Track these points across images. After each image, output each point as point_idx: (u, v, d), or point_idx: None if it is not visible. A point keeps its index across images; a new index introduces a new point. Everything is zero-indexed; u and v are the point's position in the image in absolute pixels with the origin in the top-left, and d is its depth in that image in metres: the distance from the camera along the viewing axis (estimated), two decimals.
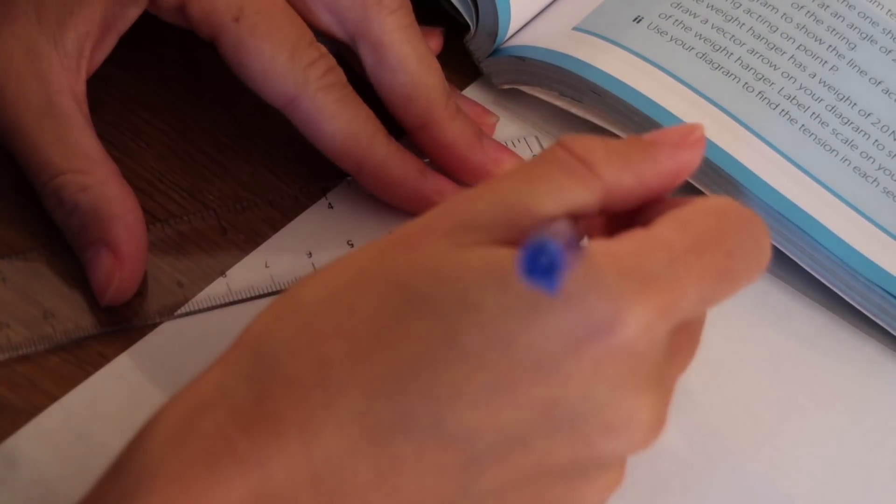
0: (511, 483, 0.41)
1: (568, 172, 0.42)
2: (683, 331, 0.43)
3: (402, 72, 0.54)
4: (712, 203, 0.43)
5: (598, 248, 0.40)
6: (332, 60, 0.53)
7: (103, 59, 0.53)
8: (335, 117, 0.53)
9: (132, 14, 0.53)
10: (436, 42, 0.59)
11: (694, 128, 0.44)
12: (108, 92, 0.57)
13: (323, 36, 0.56)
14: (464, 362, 0.39)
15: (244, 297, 0.52)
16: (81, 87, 0.52)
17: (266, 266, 0.53)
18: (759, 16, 0.60)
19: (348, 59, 0.58)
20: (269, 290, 0.52)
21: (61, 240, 0.51)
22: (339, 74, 0.53)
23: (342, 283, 0.41)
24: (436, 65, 0.55)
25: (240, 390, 0.40)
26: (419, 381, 0.39)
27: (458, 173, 0.55)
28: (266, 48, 0.52)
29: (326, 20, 0.55)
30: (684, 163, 0.44)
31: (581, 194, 0.42)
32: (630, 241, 0.41)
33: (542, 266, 0.37)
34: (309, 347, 0.40)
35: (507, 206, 0.41)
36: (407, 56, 0.54)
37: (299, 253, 0.54)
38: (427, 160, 0.56)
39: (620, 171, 0.43)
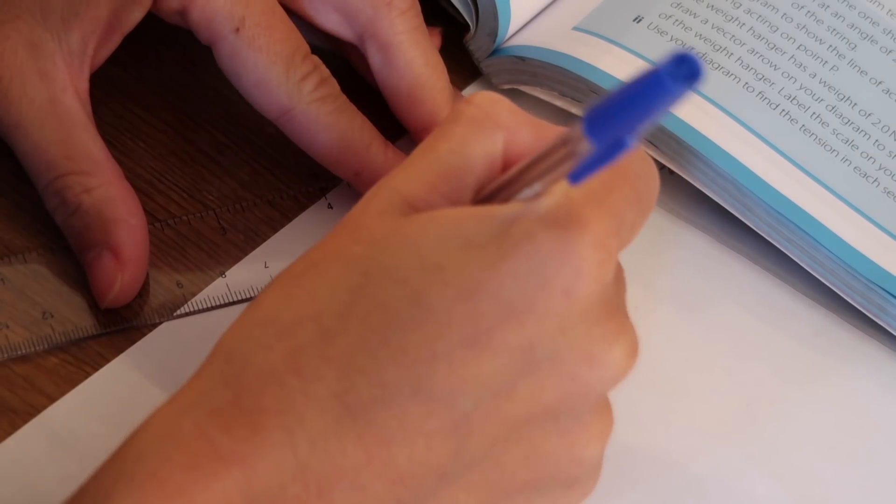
0: (503, 440, 0.41)
1: (471, 124, 0.43)
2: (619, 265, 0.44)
3: (409, 73, 0.54)
4: None
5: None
6: (325, 72, 0.53)
7: (106, 58, 0.53)
8: (330, 128, 0.53)
9: (136, 16, 0.53)
10: (435, 41, 0.59)
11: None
12: (108, 92, 0.57)
13: (322, 37, 0.56)
14: (433, 321, 0.39)
15: (244, 297, 0.52)
16: (85, 86, 0.52)
17: (265, 266, 0.53)
18: (760, 16, 0.60)
19: (351, 59, 0.58)
20: None
21: (61, 240, 0.51)
22: (333, 85, 0.53)
23: (297, 274, 0.41)
24: (442, 66, 0.55)
25: (216, 392, 0.40)
26: (390, 347, 0.39)
27: None
28: (262, 60, 0.52)
29: (333, 20, 0.55)
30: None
31: (488, 143, 0.43)
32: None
33: (684, 73, 0.35)
34: (277, 339, 0.40)
35: (425, 169, 0.42)
36: (415, 58, 0.54)
37: (298, 253, 0.54)
38: None
39: (521, 124, 0.43)
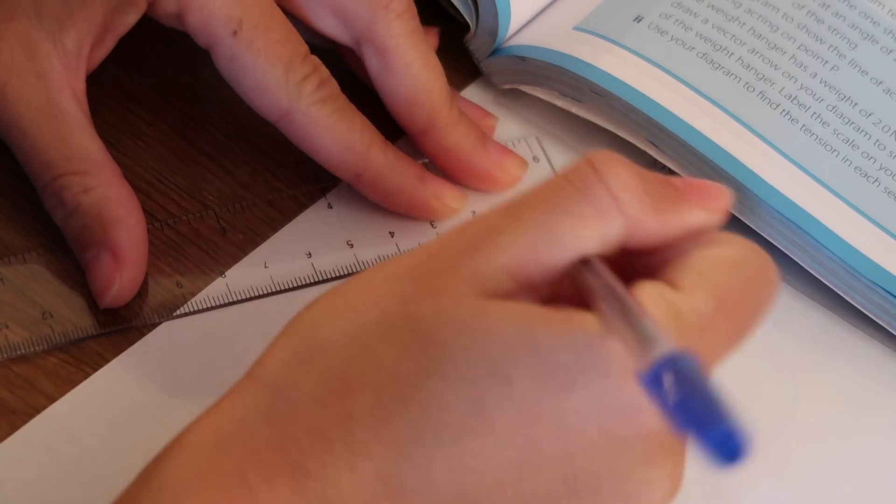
0: None
1: (596, 207, 0.40)
2: None
3: (407, 76, 0.54)
4: (730, 253, 0.42)
5: None
6: (325, 73, 0.53)
7: (102, 60, 0.53)
8: (330, 130, 0.53)
9: (131, 18, 0.53)
10: (433, 42, 0.59)
11: (722, 191, 0.43)
12: (108, 92, 0.57)
13: (317, 40, 0.56)
14: (491, 435, 0.39)
15: (243, 297, 0.52)
16: (81, 86, 0.52)
17: (265, 266, 0.53)
18: (760, 15, 0.60)
19: (348, 62, 0.58)
20: (269, 291, 0.52)
21: (60, 240, 0.51)
22: (333, 87, 0.53)
23: (364, 325, 0.40)
24: (439, 69, 0.55)
25: (261, 430, 0.39)
26: (443, 448, 0.39)
27: (461, 177, 0.56)
28: (261, 63, 0.52)
29: (330, 24, 0.55)
30: (706, 223, 0.43)
31: (605, 232, 0.41)
32: (664, 314, 0.39)
33: (728, 448, 0.35)
34: (334, 398, 0.39)
35: (529, 245, 0.40)
36: (412, 61, 0.54)
37: (298, 253, 0.54)
38: (425, 161, 0.56)
39: (647, 214, 0.41)
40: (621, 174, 0.41)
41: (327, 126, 0.53)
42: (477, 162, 0.55)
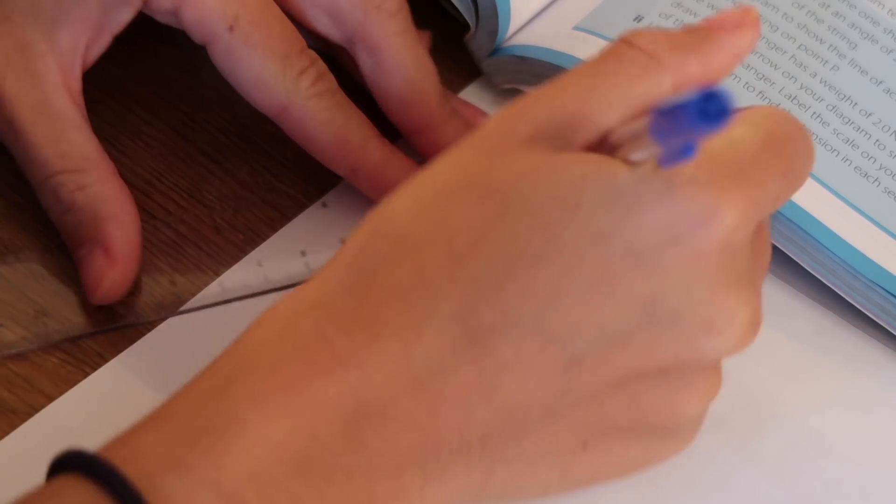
0: (610, 386, 0.42)
1: (636, 65, 0.43)
2: (758, 233, 0.44)
3: (400, 76, 0.54)
4: (770, 108, 0.45)
5: None
6: (322, 66, 0.53)
7: (97, 58, 0.53)
8: (327, 125, 0.53)
9: (126, 16, 0.53)
10: (425, 43, 0.59)
11: (749, 9, 0.45)
12: (108, 92, 0.57)
13: (314, 38, 0.56)
14: (563, 260, 0.40)
15: (241, 296, 0.52)
16: (77, 85, 0.52)
17: (259, 265, 0.53)
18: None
19: (342, 62, 0.58)
20: (263, 290, 0.52)
21: (56, 238, 0.51)
22: (331, 81, 0.53)
23: (433, 193, 0.42)
24: (432, 68, 0.55)
25: (340, 298, 0.41)
26: (518, 280, 0.40)
27: None
28: (258, 57, 0.52)
29: (324, 23, 0.55)
30: (745, 43, 0.45)
31: (651, 87, 0.43)
32: (715, 139, 0.41)
33: (712, 111, 0.37)
34: (407, 256, 0.41)
35: (580, 105, 0.42)
36: (405, 60, 0.54)
37: (298, 253, 0.54)
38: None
39: (686, 60, 0.43)
40: (649, 36, 0.43)
41: (325, 120, 0.53)
42: None
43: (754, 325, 0.43)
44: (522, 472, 0.43)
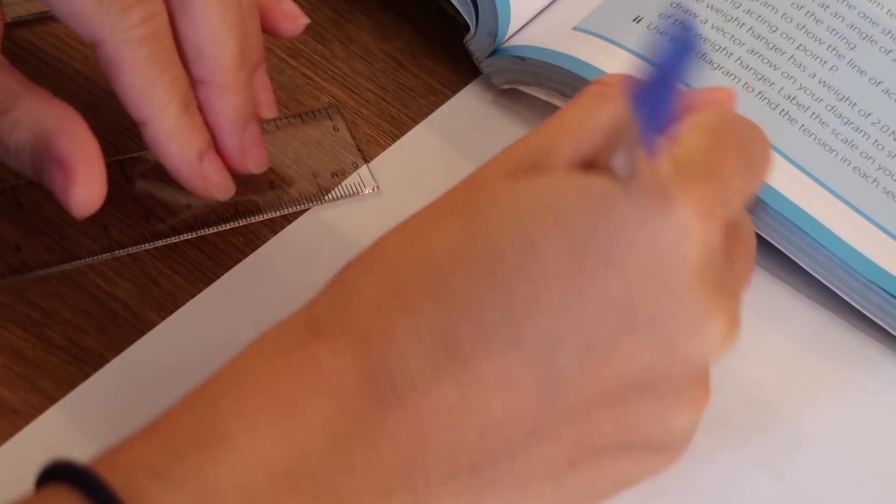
0: (596, 399, 0.42)
1: (595, 96, 0.45)
2: (735, 236, 0.44)
3: (201, 26, 0.50)
4: (713, 111, 0.45)
5: None
6: (155, 8, 0.48)
7: None
8: (135, 74, 0.48)
9: None
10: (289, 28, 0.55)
11: (727, 91, 0.48)
12: (108, 92, 0.57)
13: None
14: (541, 269, 0.41)
15: (241, 296, 0.52)
16: None
17: (264, 269, 0.53)
18: (759, 16, 0.60)
19: None
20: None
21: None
22: (157, 25, 0.49)
23: (420, 223, 0.43)
24: (239, 30, 0.51)
25: (327, 318, 0.41)
26: (496, 294, 0.40)
27: (214, 145, 0.52)
28: None
29: None
30: (719, 97, 0.47)
31: (611, 111, 0.44)
32: (671, 150, 0.43)
33: (681, 40, 0.38)
34: (391, 277, 0.41)
35: (545, 140, 0.44)
36: (212, 13, 0.50)
37: (297, 255, 0.54)
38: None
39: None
40: (612, 75, 0.46)
41: (135, 69, 0.48)
42: (228, 139, 0.51)
43: (734, 326, 0.43)
44: (513, 496, 0.42)
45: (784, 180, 0.56)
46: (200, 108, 0.51)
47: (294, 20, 0.54)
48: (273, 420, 0.39)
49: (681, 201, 0.41)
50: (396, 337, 0.40)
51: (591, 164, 0.44)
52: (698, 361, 0.43)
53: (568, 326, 0.41)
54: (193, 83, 0.51)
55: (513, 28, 0.60)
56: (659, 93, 0.39)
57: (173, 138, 0.50)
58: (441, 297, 0.40)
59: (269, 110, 0.54)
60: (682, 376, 0.43)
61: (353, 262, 0.43)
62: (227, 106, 0.51)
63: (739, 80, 0.58)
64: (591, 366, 0.41)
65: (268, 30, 0.54)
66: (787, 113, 0.57)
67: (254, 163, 0.52)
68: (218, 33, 0.50)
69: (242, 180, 0.54)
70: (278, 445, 0.39)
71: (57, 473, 0.39)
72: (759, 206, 0.55)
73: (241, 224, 0.54)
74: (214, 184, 0.51)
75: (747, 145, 0.44)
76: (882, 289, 0.54)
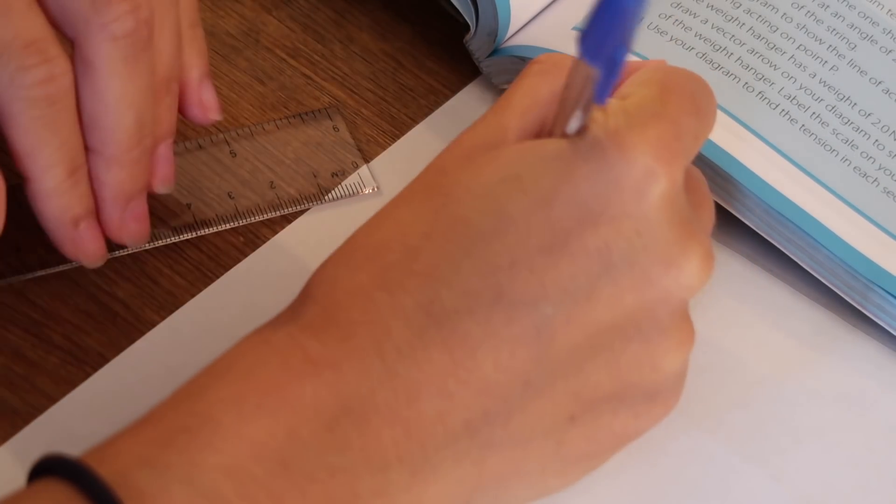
0: (585, 347, 0.43)
1: (536, 73, 0.46)
2: (692, 183, 0.46)
3: (98, 97, 0.48)
4: (653, 66, 0.47)
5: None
6: (58, 68, 0.47)
7: None
8: (23, 132, 0.47)
9: None
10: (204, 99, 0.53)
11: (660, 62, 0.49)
12: None
13: None
14: (513, 229, 0.42)
15: (241, 296, 0.52)
16: None
17: (264, 270, 0.53)
18: (760, 16, 0.60)
19: None
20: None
21: None
22: (57, 87, 0.47)
23: (384, 214, 0.44)
24: (140, 105, 0.49)
25: (307, 309, 0.42)
26: (472, 258, 0.41)
27: (97, 209, 0.50)
28: None
29: (55, 14, 0.48)
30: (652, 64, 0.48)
31: (555, 82, 0.45)
32: (618, 97, 0.45)
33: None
34: (366, 260, 0.42)
35: (494, 123, 0.45)
36: (110, 89, 0.48)
37: (297, 255, 0.54)
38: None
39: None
40: (551, 54, 0.47)
41: (23, 128, 0.47)
42: (110, 210, 0.50)
43: (708, 257, 0.44)
44: (515, 456, 0.43)
45: (784, 180, 0.56)
46: (91, 172, 0.49)
47: (205, 111, 0.53)
48: (260, 402, 0.40)
49: (638, 146, 0.43)
50: (380, 312, 0.41)
51: (544, 135, 0.45)
52: (679, 295, 0.44)
53: (548, 279, 0.42)
54: (87, 149, 0.49)
55: (513, 28, 0.60)
56: (605, 30, 0.40)
57: (52, 200, 0.48)
58: (417, 271, 0.41)
59: (163, 186, 0.52)
60: (665, 314, 0.44)
61: (327, 260, 0.43)
62: (112, 179, 0.49)
63: (740, 79, 0.58)
64: (576, 314, 0.42)
65: (179, 110, 0.52)
66: (787, 113, 0.57)
67: (132, 237, 0.51)
68: (114, 107, 0.48)
69: (242, 180, 0.54)
70: (266, 427, 0.39)
71: (49, 468, 0.39)
72: (760, 205, 0.55)
73: (241, 224, 0.54)
74: (85, 251, 0.50)
75: (693, 91, 0.45)
76: (882, 288, 0.54)
